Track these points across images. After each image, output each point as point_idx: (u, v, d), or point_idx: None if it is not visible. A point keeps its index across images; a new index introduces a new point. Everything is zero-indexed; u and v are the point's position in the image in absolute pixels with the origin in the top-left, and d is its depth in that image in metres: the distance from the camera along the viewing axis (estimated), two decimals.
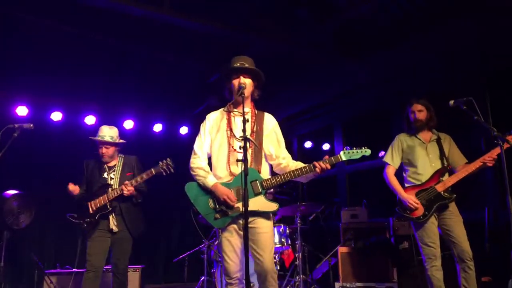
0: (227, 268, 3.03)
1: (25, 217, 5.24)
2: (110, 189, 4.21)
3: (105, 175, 4.37)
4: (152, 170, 4.14)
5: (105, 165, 4.41)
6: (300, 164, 3.15)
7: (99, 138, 4.34)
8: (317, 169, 3.02)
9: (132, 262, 5.62)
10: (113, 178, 4.34)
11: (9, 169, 5.69)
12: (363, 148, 3.15)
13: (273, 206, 3.07)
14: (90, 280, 4.09)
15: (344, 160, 3.12)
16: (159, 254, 7.69)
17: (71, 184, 4.35)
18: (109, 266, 4.43)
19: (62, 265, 5.52)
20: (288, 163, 3.21)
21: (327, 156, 3.09)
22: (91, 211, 4.18)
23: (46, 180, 6.76)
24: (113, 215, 4.22)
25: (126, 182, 4.13)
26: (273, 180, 3.07)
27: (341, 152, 3.13)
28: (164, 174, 4.12)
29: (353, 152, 3.12)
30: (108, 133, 4.38)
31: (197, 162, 3.17)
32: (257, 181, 3.05)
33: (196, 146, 3.23)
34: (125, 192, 4.12)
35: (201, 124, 3.28)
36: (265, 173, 3.14)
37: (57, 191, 6.74)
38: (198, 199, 3.09)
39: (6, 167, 5.12)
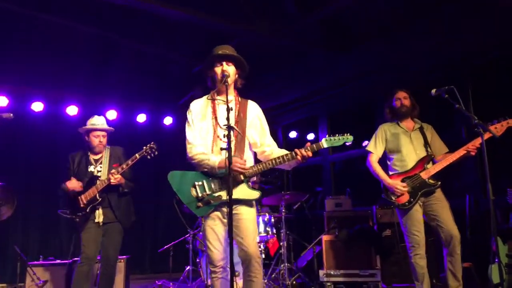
0: (211, 256, 3.03)
1: (6, 209, 5.15)
2: (98, 181, 4.19)
3: (92, 168, 4.35)
4: (136, 155, 4.14)
5: (91, 158, 4.38)
6: (284, 152, 3.14)
7: (98, 126, 4.33)
8: (298, 157, 3.02)
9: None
10: (100, 171, 4.32)
11: None
12: (345, 134, 3.15)
13: (255, 194, 3.08)
14: (83, 274, 4.08)
15: (326, 147, 3.12)
16: (144, 244, 7.69)
17: (71, 181, 4.26)
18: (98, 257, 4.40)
19: (45, 257, 5.46)
20: (273, 151, 3.21)
21: (308, 144, 3.09)
22: (82, 205, 4.18)
23: (27, 171, 6.68)
24: (101, 207, 4.21)
25: (113, 171, 4.12)
26: (254, 168, 3.07)
27: (323, 140, 3.13)
28: (149, 157, 4.12)
29: (334, 139, 3.13)
30: (102, 121, 4.41)
31: (196, 149, 3.12)
32: None
33: (189, 136, 3.18)
34: (112, 180, 4.10)
35: (187, 113, 3.24)
36: (247, 162, 3.13)
37: (39, 182, 6.72)
38: (181, 188, 3.07)
39: None
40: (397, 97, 4.18)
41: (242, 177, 3.03)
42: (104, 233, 4.25)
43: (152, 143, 4.16)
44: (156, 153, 4.13)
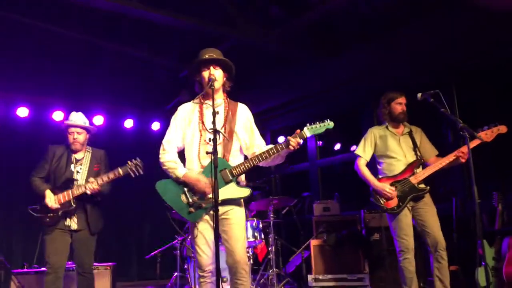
0: (199, 261, 3.01)
1: None
2: (75, 185, 4.01)
3: (72, 167, 4.14)
4: (120, 170, 3.92)
5: (73, 157, 4.18)
6: (271, 146, 3.11)
7: (71, 123, 4.15)
8: (292, 145, 3.01)
9: (103, 259, 5.55)
10: (79, 172, 4.13)
11: None
12: (325, 121, 3.14)
13: (245, 191, 3.05)
14: (51, 283, 3.88)
15: (309, 136, 3.11)
16: (131, 251, 7.60)
17: (50, 198, 3.96)
18: (72, 265, 4.23)
19: (29, 265, 5.37)
20: (262, 150, 3.16)
21: (298, 131, 3.08)
22: (55, 206, 3.93)
23: (11, 179, 6.56)
24: (75, 214, 4.02)
25: (91, 180, 3.92)
26: (242, 166, 3.04)
27: (305, 128, 3.11)
28: (133, 175, 3.91)
29: (316, 127, 3.12)
30: (80, 118, 4.21)
31: (166, 156, 3.12)
32: (226, 170, 3.02)
33: (165, 141, 3.17)
34: (88, 192, 3.92)
35: (172, 117, 3.23)
36: (235, 162, 3.11)
37: (23, 190, 6.60)
38: (170, 196, 3.05)
39: None
40: (399, 102, 4.13)
41: (230, 176, 3.01)
42: (75, 240, 4.03)
43: (138, 159, 3.92)
44: (141, 172, 3.90)
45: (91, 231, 4.08)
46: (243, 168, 3.04)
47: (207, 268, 3.00)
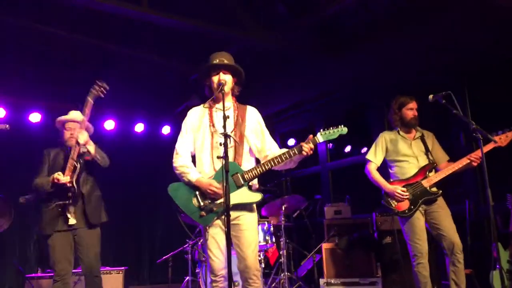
0: (212, 265, 3.00)
1: (3, 221, 5.12)
2: (72, 152, 3.84)
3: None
4: (88, 98, 3.84)
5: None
6: (285, 150, 3.10)
7: (69, 118, 4.11)
8: (304, 151, 2.99)
9: (115, 263, 5.58)
10: (76, 167, 3.92)
11: None
12: (339, 126, 3.12)
13: (256, 196, 3.04)
14: None
15: (322, 142, 3.09)
16: (142, 255, 7.63)
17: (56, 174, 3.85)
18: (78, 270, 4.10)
19: (43, 270, 5.41)
20: (274, 154, 3.16)
21: (311, 136, 3.06)
22: (69, 183, 3.79)
23: (24, 183, 6.61)
24: (73, 205, 3.87)
25: (77, 130, 3.85)
26: (254, 171, 3.04)
27: (318, 134, 3.09)
28: (102, 95, 3.85)
29: (329, 133, 3.10)
30: (79, 115, 4.11)
31: (179, 160, 3.14)
32: (238, 174, 3.02)
33: (177, 145, 3.20)
34: (80, 140, 3.79)
35: (183, 122, 3.25)
36: (247, 166, 3.11)
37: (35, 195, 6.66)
38: (183, 199, 3.05)
39: None
40: (410, 107, 4.08)
41: (242, 180, 3.01)
42: (78, 242, 3.89)
43: (98, 82, 3.86)
44: (107, 87, 3.85)
45: (90, 222, 3.92)
46: (255, 173, 3.03)
47: (220, 272, 2.99)
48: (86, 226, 3.94)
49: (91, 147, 3.93)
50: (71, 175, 3.85)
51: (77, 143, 3.84)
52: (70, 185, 3.82)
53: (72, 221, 3.90)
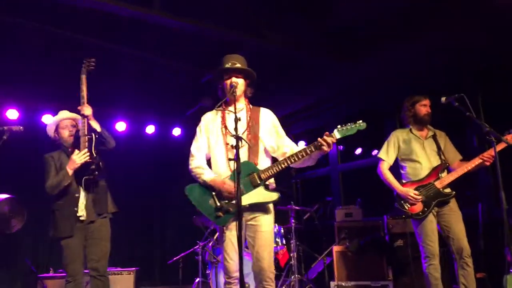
0: (227, 267, 3.01)
1: (17, 222, 5.18)
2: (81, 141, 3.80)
3: None
4: (81, 75, 4.03)
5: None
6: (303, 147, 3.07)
7: (65, 116, 4.12)
8: (324, 147, 2.94)
9: (127, 264, 5.61)
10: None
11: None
12: (357, 122, 3.06)
13: (273, 196, 3.03)
14: None
15: (339, 138, 3.02)
16: (153, 256, 7.66)
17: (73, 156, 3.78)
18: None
19: (55, 270, 5.46)
20: (292, 150, 3.14)
21: (327, 133, 3.01)
22: (82, 157, 3.75)
23: (37, 183, 6.68)
24: (83, 196, 3.82)
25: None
26: (270, 170, 3.03)
27: (335, 130, 3.04)
28: (93, 68, 4.05)
29: (347, 129, 3.04)
30: (71, 113, 4.13)
31: (194, 162, 3.19)
32: (255, 174, 3.02)
33: (193, 148, 3.24)
34: (86, 112, 3.83)
35: (197, 127, 3.30)
36: (263, 165, 3.11)
37: (49, 194, 6.71)
38: (200, 200, 3.07)
39: None
40: (424, 103, 4.08)
41: (258, 180, 3.01)
42: (88, 238, 3.83)
43: (87, 58, 4.05)
44: (94, 59, 4.03)
45: (96, 211, 3.85)
46: (271, 172, 3.03)
47: (234, 274, 2.99)
48: (96, 215, 3.86)
49: (96, 124, 3.90)
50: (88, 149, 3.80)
51: (83, 116, 3.84)
52: (90, 159, 3.77)
53: (81, 212, 3.82)
